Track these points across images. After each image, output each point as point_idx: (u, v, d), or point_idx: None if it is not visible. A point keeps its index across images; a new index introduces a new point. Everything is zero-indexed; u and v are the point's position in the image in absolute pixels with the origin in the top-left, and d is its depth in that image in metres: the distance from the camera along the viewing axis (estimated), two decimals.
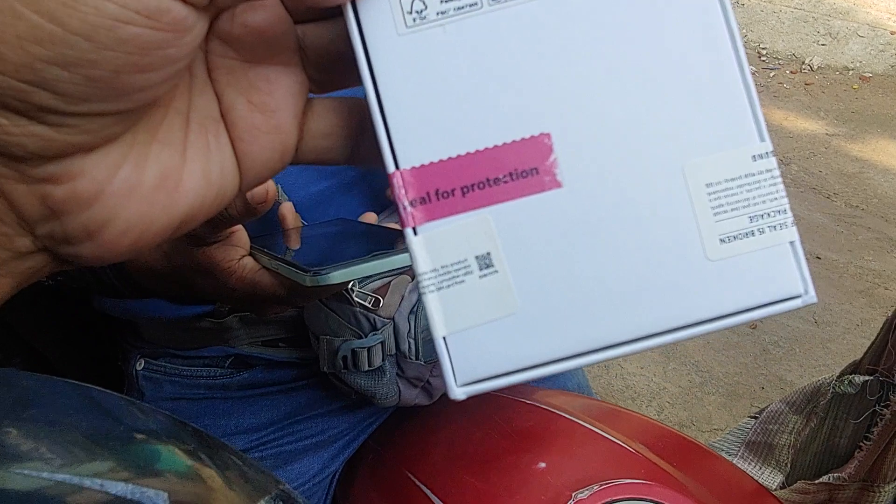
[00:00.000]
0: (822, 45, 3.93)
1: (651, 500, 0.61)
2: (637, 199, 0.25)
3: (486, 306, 0.25)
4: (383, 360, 0.66)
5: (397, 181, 0.25)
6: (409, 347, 0.66)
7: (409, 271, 0.66)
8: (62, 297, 0.79)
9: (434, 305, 0.25)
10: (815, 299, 0.26)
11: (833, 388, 0.97)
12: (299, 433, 0.76)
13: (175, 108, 0.25)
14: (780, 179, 0.26)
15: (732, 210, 0.25)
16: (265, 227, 0.65)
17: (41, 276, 0.26)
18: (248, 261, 0.52)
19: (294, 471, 0.76)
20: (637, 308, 0.25)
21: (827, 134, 3.29)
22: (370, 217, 0.60)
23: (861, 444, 0.84)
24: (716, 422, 1.90)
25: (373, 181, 0.70)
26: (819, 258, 2.49)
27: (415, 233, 0.25)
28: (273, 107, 0.26)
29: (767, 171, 0.26)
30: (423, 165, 0.25)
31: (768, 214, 0.26)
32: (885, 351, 0.91)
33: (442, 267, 0.25)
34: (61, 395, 0.29)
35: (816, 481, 0.86)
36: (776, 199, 0.26)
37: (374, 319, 0.64)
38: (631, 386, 1.98)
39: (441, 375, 0.72)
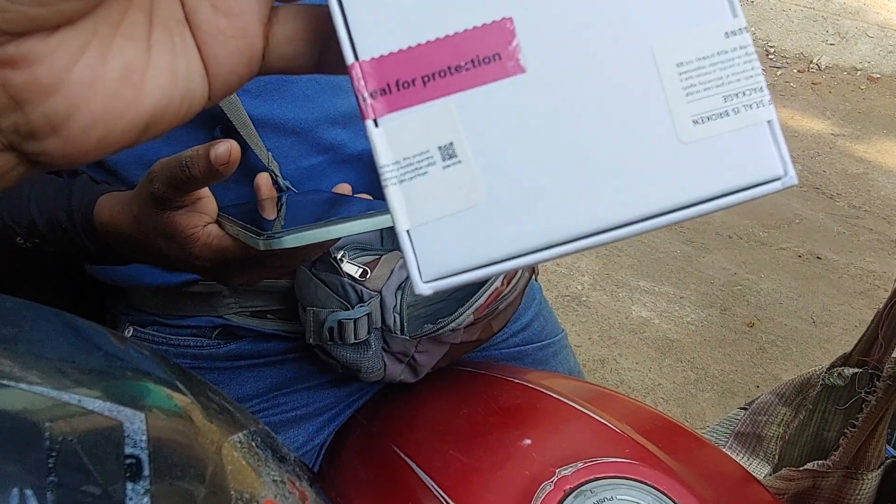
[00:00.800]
0: (831, 44, 3.91)
1: (635, 479, 0.61)
2: (604, 82, 0.24)
3: (450, 198, 0.24)
4: (369, 332, 0.66)
5: (356, 73, 0.24)
6: (395, 322, 0.66)
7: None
8: (52, 262, 0.79)
9: (396, 198, 0.24)
10: (795, 181, 0.24)
11: (822, 380, 0.97)
12: (285, 405, 0.76)
13: (137, 4, 0.25)
14: (755, 56, 0.24)
15: (705, 90, 0.24)
16: (242, 197, 0.65)
17: (11, 179, 0.25)
18: (213, 228, 0.51)
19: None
20: (607, 196, 0.24)
21: (832, 134, 3.28)
22: (344, 188, 0.60)
23: (846, 431, 0.84)
24: (710, 418, 1.90)
25: (366, 157, 0.70)
26: (819, 258, 2.48)
27: (375, 125, 0.24)
28: (237, 10, 0.26)
29: (741, 47, 0.24)
30: (382, 56, 0.24)
31: (743, 93, 0.24)
32: (874, 343, 0.91)
33: (404, 159, 0.24)
34: (45, 321, 0.29)
35: (801, 468, 0.86)
36: (751, 76, 0.24)
37: (361, 291, 0.64)
38: (625, 381, 1.98)
39: (427, 352, 0.73)
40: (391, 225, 0.46)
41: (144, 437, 0.25)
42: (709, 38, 0.24)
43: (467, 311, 0.69)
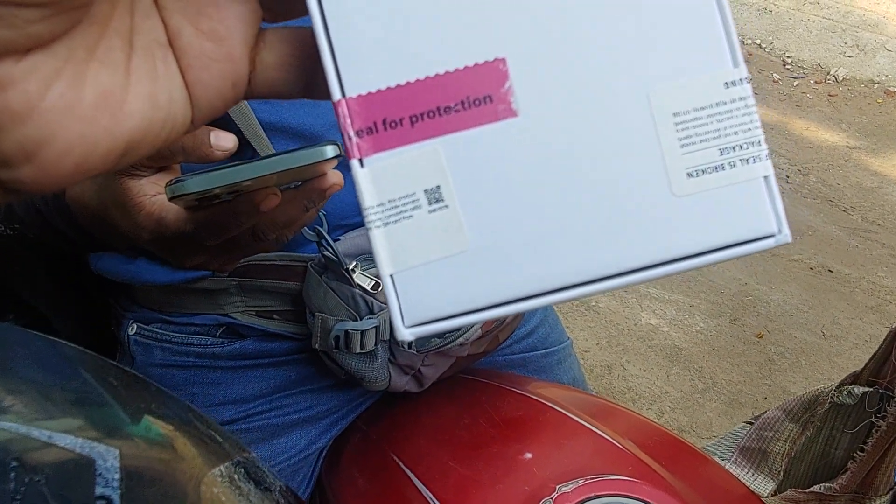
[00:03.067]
0: (849, 56, 3.88)
1: (636, 499, 0.60)
2: (598, 130, 0.24)
3: (435, 243, 0.24)
4: (376, 344, 0.65)
5: (343, 110, 0.24)
6: None
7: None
8: (57, 257, 0.79)
9: (380, 242, 0.24)
10: (789, 238, 0.24)
11: (831, 397, 0.96)
12: (288, 407, 0.76)
13: (114, 29, 0.24)
14: (754, 109, 0.24)
15: (701, 142, 0.24)
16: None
17: None
18: (159, 199, 0.50)
19: (280, 445, 0.75)
20: (595, 247, 0.24)
21: (848, 147, 3.26)
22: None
23: (855, 454, 0.82)
24: (716, 428, 1.89)
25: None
26: (831, 271, 2.46)
27: (361, 165, 0.24)
28: (223, 34, 0.25)
29: (741, 98, 0.24)
30: (370, 93, 0.24)
31: (740, 146, 0.24)
32: (886, 363, 0.90)
33: (389, 201, 0.24)
34: (16, 346, 0.28)
35: (807, 490, 0.85)
36: (749, 129, 0.24)
37: (371, 303, 0.64)
38: (632, 388, 1.97)
39: (433, 365, 0.72)
40: (297, 164, 0.43)
41: (117, 476, 0.25)
42: (708, 87, 0.24)
43: (475, 325, 0.68)
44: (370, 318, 0.64)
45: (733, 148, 0.24)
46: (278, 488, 0.36)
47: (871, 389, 0.90)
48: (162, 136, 0.26)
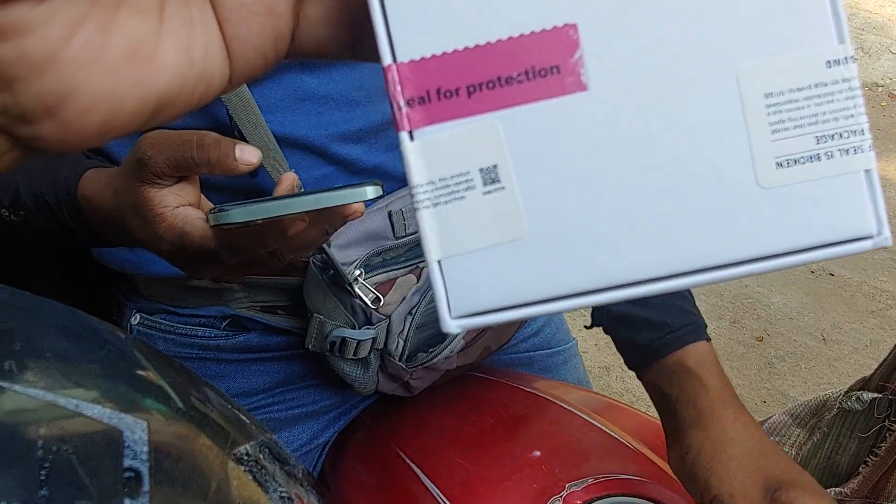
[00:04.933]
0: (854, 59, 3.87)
1: (646, 498, 0.59)
2: (677, 110, 0.21)
3: (489, 228, 0.22)
4: (370, 353, 0.65)
5: (392, 76, 0.22)
6: (397, 346, 0.65)
7: (415, 270, 0.65)
8: (61, 247, 0.78)
9: (429, 224, 0.22)
10: (889, 242, 0.21)
11: (840, 403, 0.95)
12: (291, 401, 0.75)
13: None
14: (859, 92, 0.21)
15: (795, 127, 0.21)
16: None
17: (4, 164, 0.23)
18: (182, 211, 0.49)
19: (283, 439, 0.75)
20: (667, 241, 0.21)
21: None
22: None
23: (867, 459, 0.82)
24: None
25: (381, 171, 0.68)
26: (832, 275, 2.46)
27: (411, 137, 0.22)
28: None
29: (844, 80, 0.21)
30: (423, 59, 0.22)
31: (840, 135, 0.21)
32: (895, 369, 0.89)
33: (440, 179, 0.22)
34: (44, 315, 0.27)
35: None
36: (852, 116, 0.21)
37: (370, 314, 0.63)
38: (630, 389, 1.97)
39: (421, 378, 0.72)
40: (338, 203, 0.43)
41: (146, 449, 0.24)
42: (807, 66, 0.21)
43: (458, 336, 0.68)
44: (368, 330, 0.64)
45: (832, 136, 0.21)
46: (300, 470, 0.36)
47: (881, 395, 0.89)
48: (196, 95, 0.24)
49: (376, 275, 0.64)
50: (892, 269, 2.50)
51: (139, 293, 0.74)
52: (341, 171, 0.66)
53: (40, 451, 0.21)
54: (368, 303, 0.62)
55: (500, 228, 0.22)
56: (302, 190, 0.56)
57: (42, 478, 0.21)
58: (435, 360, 0.68)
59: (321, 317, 0.64)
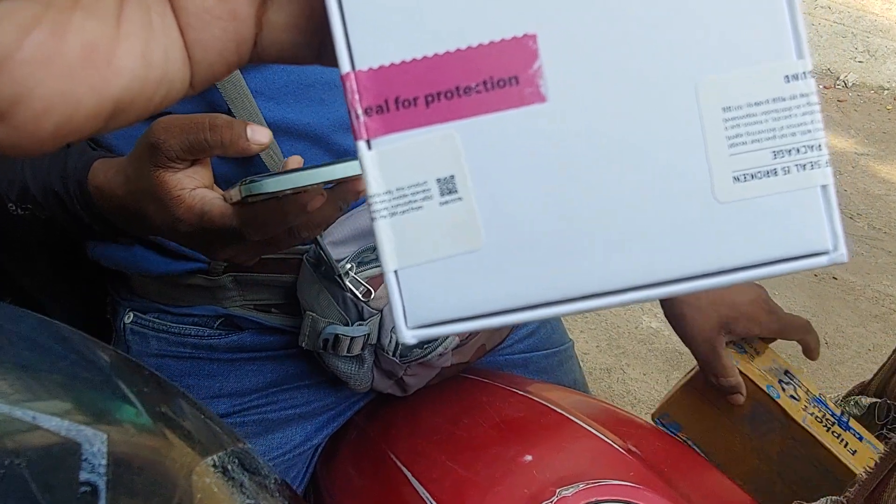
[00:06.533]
0: (860, 62, 3.86)
1: None
2: (635, 123, 0.21)
3: (446, 239, 0.21)
4: (363, 349, 0.65)
5: (351, 84, 0.21)
6: (390, 342, 0.65)
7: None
8: (57, 243, 0.78)
9: (385, 234, 0.21)
10: (845, 258, 0.21)
11: (838, 408, 0.94)
12: (284, 402, 0.75)
13: None
14: (817, 108, 0.21)
15: (753, 142, 0.21)
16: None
17: None
18: (199, 192, 0.50)
19: (275, 440, 0.74)
20: (623, 254, 0.21)
21: (856, 153, 3.24)
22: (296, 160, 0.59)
23: (865, 466, 0.81)
24: None
25: None
26: (836, 278, 2.45)
27: (368, 147, 0.21)
28: None
29: (802, 95, 0.21)
30: (382, 67, 0.21)
31: (797, 150, 0.21)
32: (895, 375, 0.88)
33: (397, 189, 0.21)
34: (5, 323, 0.27)
35: (813, 503, 0.84)
36: (810, 131, 0.21)
37: (362, 308, 0.63)
38: (631, 391, 1.96)
39: (416, 375, 0.72)
40: None
41: (104, 462, 0.23)
42: (765, 80, 0.21)
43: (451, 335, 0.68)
44: (360, 326, 0.64)
45: (789, 151, 0.21)
46: (273, 480, 0.35)
47: (880, 400, 0.89)
48: (156, 99, 0.24)
49: (368, 269, 0.64)
50: None
51: (133, 292, 0.74)
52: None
53: None
54: (359, 296, 0.62)
55: (457, 239, 0.21)
56: None
57: None
58: (429, 356, 0.68)
59: (314, 314, 0.64)
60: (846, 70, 3.85)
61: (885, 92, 3.72)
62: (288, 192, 0.45)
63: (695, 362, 0.83)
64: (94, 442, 0.23)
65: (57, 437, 0.23)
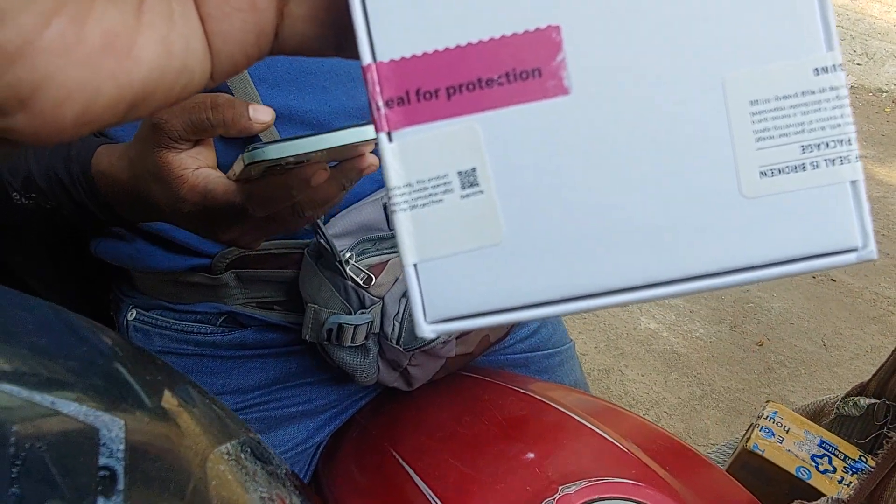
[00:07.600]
0: (858, 64, 3.87)
1: (640, 502, 0.59)
2: (661, 116, 0.20)
3: (466, 232, 0.21)
4: (367, 338, 0.65)
5: (372, 76, 0.21)
6: (393, 330, 0.65)
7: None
8: (59, 241, 0.78)
9: (405, 226, 0.21)
10: (874, 255, 0.21)
11: (837, 408, 0.94)
12: (286, 400, 0.75)
13: None
14: (846, 101, 0.20)
15: (781, 136, 0.20)
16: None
17: None
18: (202, 172, 0.49)
19: (277, 437, 0.74)
20: (646, 250, 0.21)
21: None
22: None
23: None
24: (713, 436, 1.87)
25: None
26: (834, 280, 2.45)
27: (389, 139, 0.21)
28: None
29: (832, 88, 0.20)
30: (404, 58, 0.21)
31: (827, 144, 0.20)
32: (893, 375, 0.89)
33: (418, 182, 0.21)
34: (21, 310, 0.27)
35: (813, 503, 0.84)
36: (839, 125, 0.20)
37: (363, 296, 0.63)
38: (630, 392, 1.96)
39: (421, 365, 0.72)
40: (369, 138, 0.42)
41: (122, 447, 0.23)
42: (794, 74, 0.20)
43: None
44: (363, 314, 0.64)
45: (818, 146, 0.20)
46: (284, 470, 0.35)
47: (878, 401, 0.89)
48: (176, 90, 0.24)
49: (368, 257, 0.64)
50: (894, 276, 2.49)
51: (136, 289, 0.74)
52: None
53: (12, 449, 0.21)
54: (360, 282, 0.62)
55: (478, 233, 0.21)
56: None
57: (13, 475, 0.21)
58: (433, 343, 0.68)
59: (316, 306, 0.64)
60: (844, 73, 3.86)
61: (884, 94, 3.72)
62: (290, 160, 0.44)
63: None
64: (112, 428, 0.24)
65: (76, 423, 0.23)
